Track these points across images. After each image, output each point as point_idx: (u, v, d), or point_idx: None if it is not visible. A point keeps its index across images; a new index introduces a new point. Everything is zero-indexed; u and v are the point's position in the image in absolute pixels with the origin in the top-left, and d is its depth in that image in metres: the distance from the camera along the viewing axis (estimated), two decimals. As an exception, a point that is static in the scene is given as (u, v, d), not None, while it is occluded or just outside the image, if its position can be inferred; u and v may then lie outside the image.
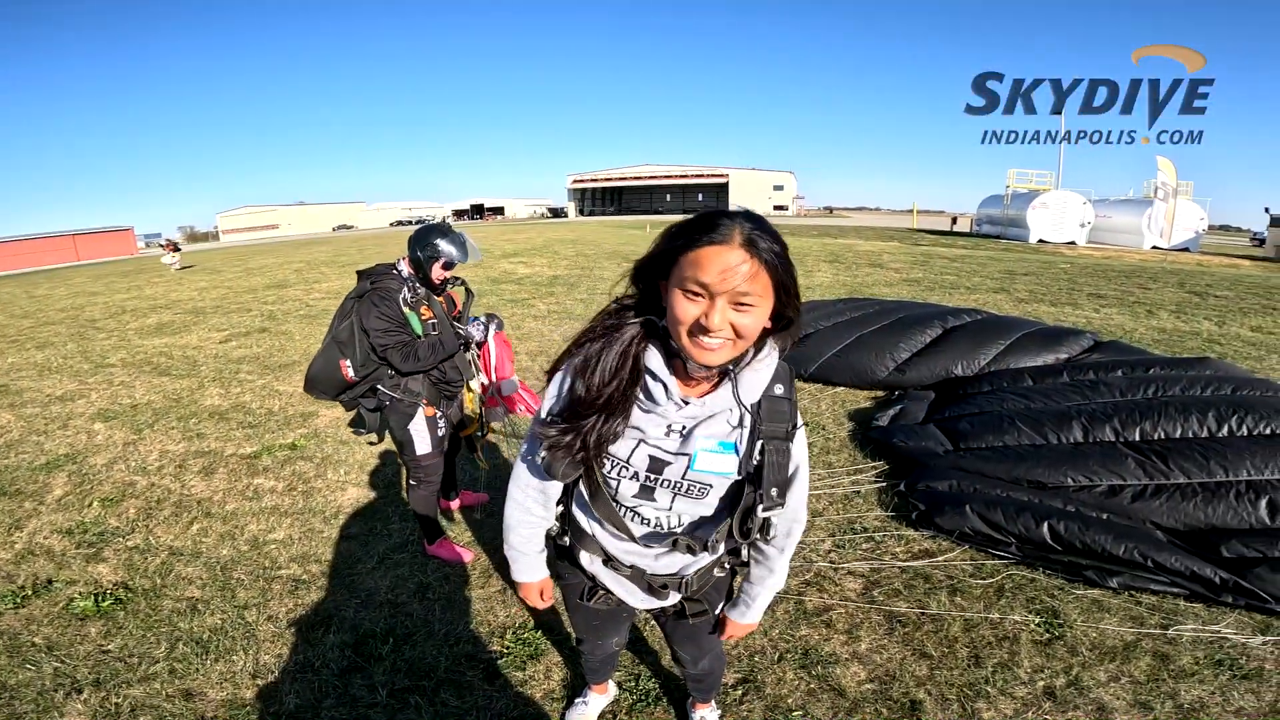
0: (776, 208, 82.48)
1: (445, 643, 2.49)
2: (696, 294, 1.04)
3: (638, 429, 1.21)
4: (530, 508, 1.42)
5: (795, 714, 2.13)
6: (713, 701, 2.07)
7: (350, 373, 2.70)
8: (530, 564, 1.49)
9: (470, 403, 3.16)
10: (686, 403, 1.19)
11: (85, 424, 5.34)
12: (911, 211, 49.52)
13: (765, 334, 1.15)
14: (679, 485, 1.24)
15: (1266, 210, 24.84)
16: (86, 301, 14.41)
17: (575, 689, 2.22)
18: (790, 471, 1.27)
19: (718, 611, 1.56)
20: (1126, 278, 13.68)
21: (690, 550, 1.33)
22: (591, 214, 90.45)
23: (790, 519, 1.38)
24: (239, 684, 2.29)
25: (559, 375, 1.28)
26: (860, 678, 2.28)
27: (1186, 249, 25.39)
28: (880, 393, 5.37)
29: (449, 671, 2.33)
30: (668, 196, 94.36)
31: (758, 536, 1.31)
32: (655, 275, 1.13)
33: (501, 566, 2.99)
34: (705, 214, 1.06)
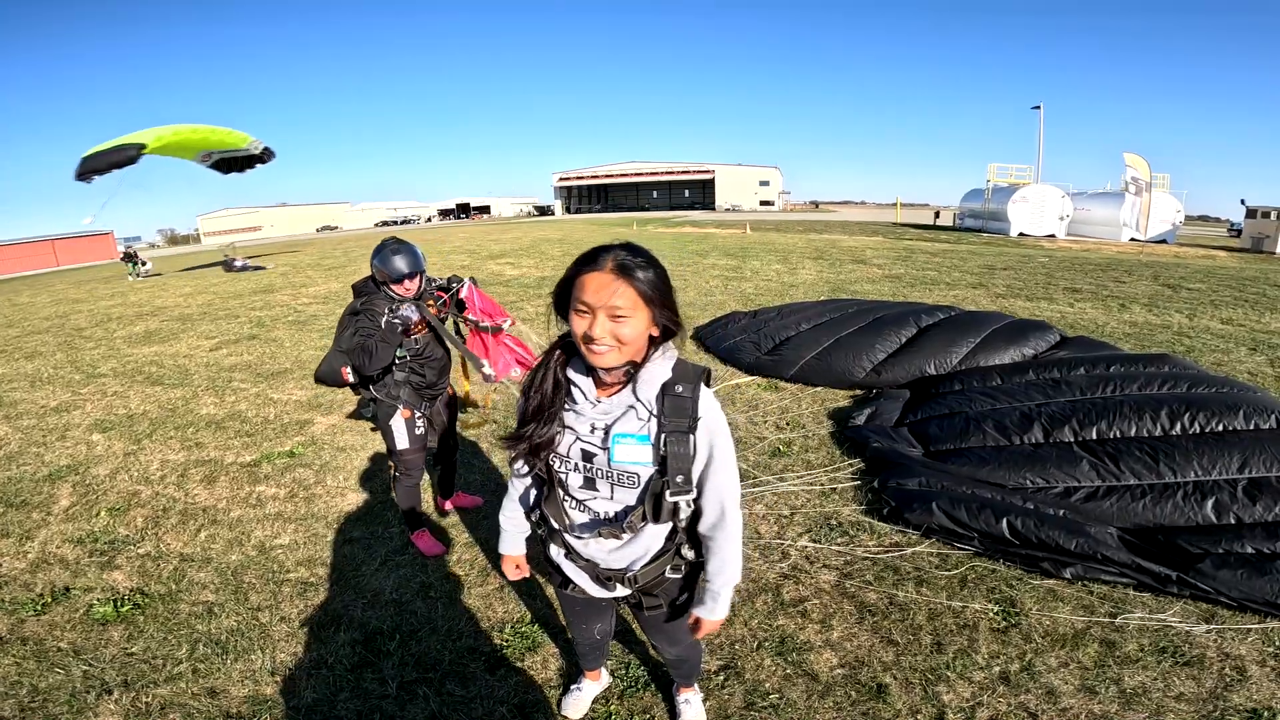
0: (763, 203, 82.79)
1: (449, 638, 2.67)
2: (584, 311, 1.35)
3: (572, 429, 1.50)
4: (513, 496, 1.78)
5: (772, 697, 2.33)
6: (696, 685, 2.26)
7: (350, 377, 3.05)
8: (510, 540, 1.86)
9: (465, 385, 3.53)
10: (600, 402, 1.47)
11: (83, 435, 5.44)
12: (895, 205, 49.98)
13: (658, 340, 1.44)
14: (610, 474, 1.49)
15: (1243, 202, 25.33)
16: (70, 309, 14.32)
17: (571, 677, 2.40)
18: (702, 460, 1.49)
19: (691, 611, 1.72)
20: (1103, 271, 14.03)
21: (614, 535, 1.54)
22: (578, 212, 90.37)
23: (717, 505, 1.54)
24: (259, 681, 2.46)
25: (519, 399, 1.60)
26: (832, 664, 2.48)
27: (1164, 240, 25.90)
28: (859, 391, 5.59)
29: (453, 664, 2.52)
30: (654, 193, 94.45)
31: (674, 519, 1.52)
32: (565, 303, 1.42)
33: (499, 565, 3.17)
34: (590, 250, 1.38)
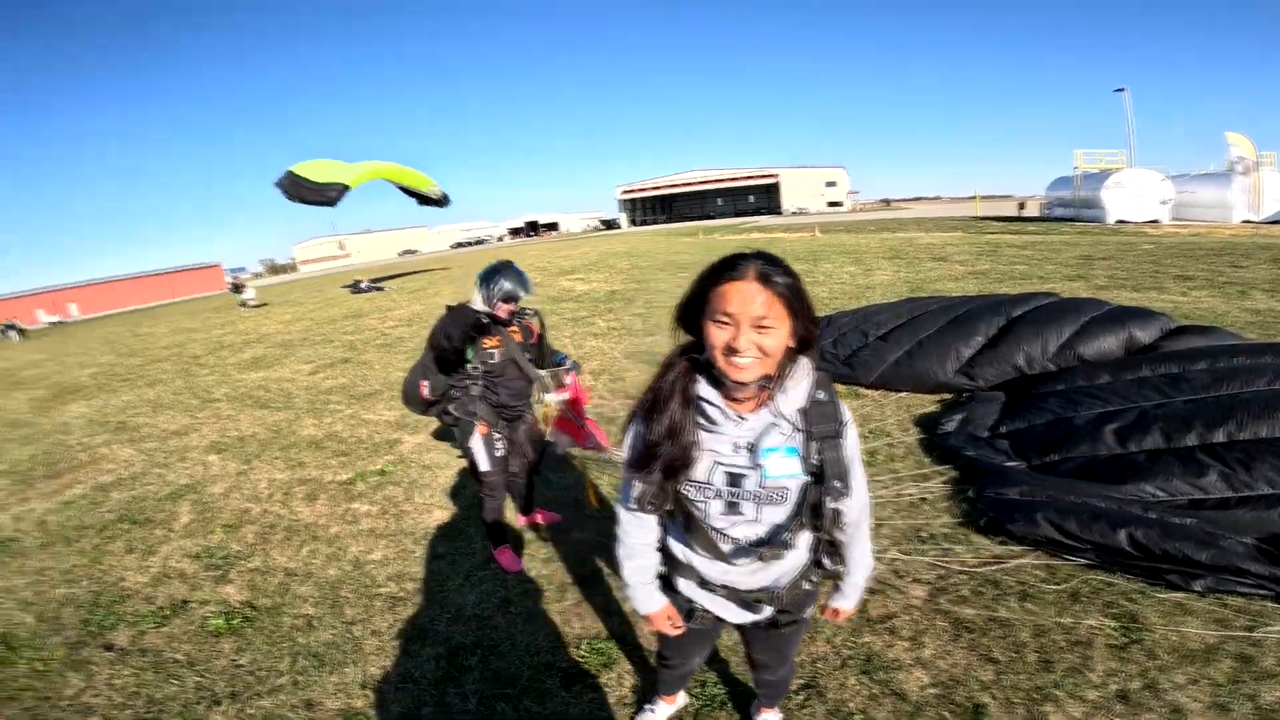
0: (831, 204, 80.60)
1: (527, 653, 2.70)
2: (725, 322, 1.28)
3: (711, 450, 1.41)
4: (632, 544, 1.59)
5: (856, 717, 2.21)
6: (777, 706, 2.18)
7: (426, 392, 3.12)
8: (647, 594, 1.64)
9: (544, 415, 3.51)
10: (744, 419, 1.38)
11: (200, 456, 5.91)
12: (974, 199, 47.61)
13: (793, 352, 1.37)
14: (759, 494, 1.41)
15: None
16: (186, 339, 15.69)
17: (645, 695, 2.37)
18: (846, 463, 1.44)
19: (829, 604, 1.71)
20: (1216, 256, 12.80)
21: (776, 557, 1.49)
22: (643, 224, 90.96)
23: (860, 504, 1.54)
24: (351, 694, 2.57)
25: (631, 424, 1.49)
26: (923, 683, 2.34)
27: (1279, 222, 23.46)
28: (947, 395, 5.29)
29: (531, 680, 2.54)
30: (719, 201, 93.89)
31: (832, 527, 1.47)
32: (694, 314, 1.35)
33: (578, 582, 3.20)
34: (727, 257, 1.31)
